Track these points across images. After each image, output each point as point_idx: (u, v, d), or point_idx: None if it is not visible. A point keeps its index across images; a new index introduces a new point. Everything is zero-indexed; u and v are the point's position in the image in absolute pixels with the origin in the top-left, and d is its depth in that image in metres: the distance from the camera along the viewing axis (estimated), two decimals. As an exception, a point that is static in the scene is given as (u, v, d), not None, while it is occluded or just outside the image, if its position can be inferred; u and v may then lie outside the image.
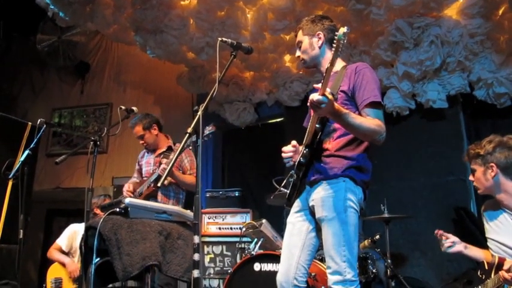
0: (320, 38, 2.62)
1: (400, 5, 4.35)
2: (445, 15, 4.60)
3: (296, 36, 2.73)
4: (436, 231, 2.94)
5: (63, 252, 4.67)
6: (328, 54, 2.53)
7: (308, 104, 2.19)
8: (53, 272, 4.59)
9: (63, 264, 4.56)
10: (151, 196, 3.95)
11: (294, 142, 2.55)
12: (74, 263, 4.57)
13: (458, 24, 4.50)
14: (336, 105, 2.21)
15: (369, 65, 2.56)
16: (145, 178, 4.07)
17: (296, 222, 2.56)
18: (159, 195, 3.95)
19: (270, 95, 6.00)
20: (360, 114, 2.41)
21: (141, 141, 4.14)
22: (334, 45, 2.07)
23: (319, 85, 2.12)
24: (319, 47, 2.62)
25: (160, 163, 3.84)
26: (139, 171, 4.27)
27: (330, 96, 2.13)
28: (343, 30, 2.03)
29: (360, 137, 2.42)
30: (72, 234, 4.73)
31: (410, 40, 4.60)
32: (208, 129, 3.54)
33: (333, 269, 2.31)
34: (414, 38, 4.59)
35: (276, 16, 4.88)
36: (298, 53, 2.72)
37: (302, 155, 2.47)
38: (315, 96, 2.12)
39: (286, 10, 4.74)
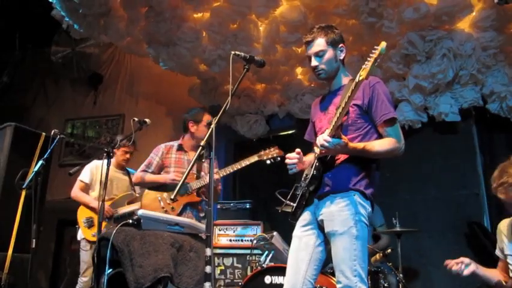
0: (343, 51, 2.57)
1: (412, 18, 4.36)
2: (458, 28, 4.60)
3: (311, 43, 2.53)
4: (445, 264, 2.83)
5: (86, 186, 4.82)
6: (342, 68, 2.59)
7: (318, 144, 2.28)
8: (83, 213, 4.72)
9: (91, 208, 4.66)
10: (189, 205, 3.88)
11: (298, 150, 2.55)
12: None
13: (471, 37, 4.49)
14: (351, 144, 2.29)
15: (379, 79, 2.56)
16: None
17: (303, 237, 2.53)
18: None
19: (282, 107, 6.01)
20: (376, 129, 2.45)
21: None
22: (370, 58, 2.10)
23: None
24: (342, 60, 2.59)
25: (198, 171, 3.88)
26: (160, 166, 4.03)
27: (346, 140, 2.24)
28: (384, 43, 2.10)
29: (380, 158, 2.46)
30: (94, 167, 4.86)
31: (423, 53, 4.60)
32: (276, 153, 3.65)
33: (344, 283, 2.28)
34: (426, 51, 4.59)
35: (288, 29, 4.91)
36: (315, 63, 2.52)
37: (315, 167, 2.45)
38: (320, 139, 2.24)
39: (298, 23, 4.77)
